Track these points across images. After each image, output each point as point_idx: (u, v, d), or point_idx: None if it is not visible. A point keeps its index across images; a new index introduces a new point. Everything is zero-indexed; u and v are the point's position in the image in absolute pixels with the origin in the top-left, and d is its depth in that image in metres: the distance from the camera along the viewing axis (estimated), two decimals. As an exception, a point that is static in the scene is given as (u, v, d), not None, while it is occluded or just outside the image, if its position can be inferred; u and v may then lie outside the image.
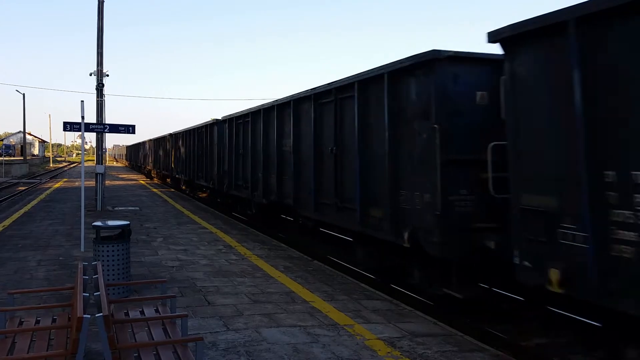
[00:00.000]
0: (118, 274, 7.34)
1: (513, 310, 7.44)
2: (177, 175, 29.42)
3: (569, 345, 6.64)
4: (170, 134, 31.55)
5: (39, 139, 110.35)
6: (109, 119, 38.45)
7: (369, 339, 5.97)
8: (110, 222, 7.85)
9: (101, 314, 3.72)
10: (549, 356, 6.36)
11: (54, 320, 4.92)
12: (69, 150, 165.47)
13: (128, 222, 7.75)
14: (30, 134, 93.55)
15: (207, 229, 14.37)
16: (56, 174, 51.59)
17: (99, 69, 18.65)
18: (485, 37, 5.99)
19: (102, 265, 6.30)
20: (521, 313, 7.36)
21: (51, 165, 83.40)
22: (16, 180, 40.60)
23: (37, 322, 4.91)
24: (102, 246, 7.33)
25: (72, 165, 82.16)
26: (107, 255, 7.28)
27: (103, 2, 18.47)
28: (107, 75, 18.96)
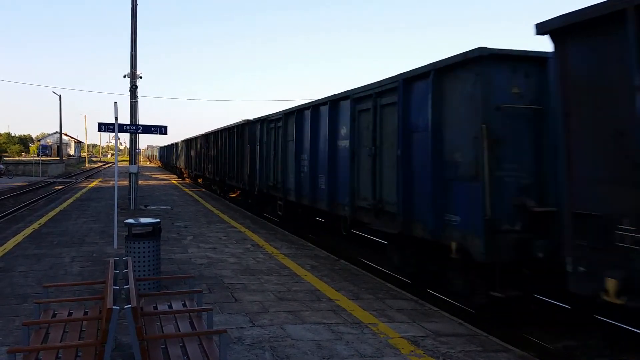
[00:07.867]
0: (148, 269, 7.52)
1: (541, 312, 7.38)
2: (263, 190, 17.48)
3: (597, 347, 6.56)
4: (249, 121, 19.43)
5: (75, 139, 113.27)
6: (142, 120, 39.16)
7: (392, 338, 6.00)
8: (142, 220, 8.05)
9: (130, 305, 3.86)
10: (576, 358, 6.29)
11: (85, 313, 5.10)
12: (104, 150, 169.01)
13: (159, 220, 7.93)
14: (66, 134, 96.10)
15: (236, 228, 14.57)
16: (91, 174, 52.84)
17: (133, 71, 19.07)
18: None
19: (133, 261, 6.49)
20: (549, 315, 7.29)
21: (87, 165, 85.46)
22: (52, 180, 41.72)
23: (70, 314, 5.10)
24: (133, 243, 7.53)
25: (106, 165, 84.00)
26: (138, 252, 7.47)
27: (137, 5, 18.89)
28: (141, 77, 19.40)
